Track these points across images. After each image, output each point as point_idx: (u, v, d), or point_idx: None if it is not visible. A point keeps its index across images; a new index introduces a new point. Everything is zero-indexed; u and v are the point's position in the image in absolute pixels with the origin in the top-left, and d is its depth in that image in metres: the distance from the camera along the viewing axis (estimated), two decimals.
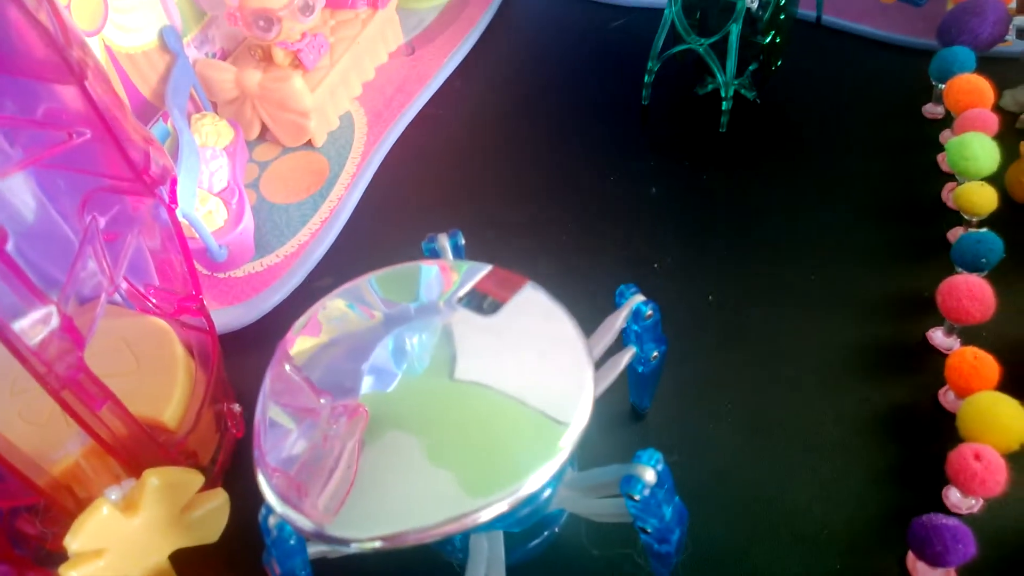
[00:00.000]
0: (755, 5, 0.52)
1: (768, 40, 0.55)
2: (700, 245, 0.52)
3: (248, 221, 0.51)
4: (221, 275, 0.51)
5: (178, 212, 0.44)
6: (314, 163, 0.57)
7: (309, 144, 0.58)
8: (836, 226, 0.52)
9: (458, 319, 0.33)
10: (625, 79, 0.62)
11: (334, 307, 0.36)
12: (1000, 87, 0.58)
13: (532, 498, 0.29)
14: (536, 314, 0.33)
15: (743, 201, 0.54)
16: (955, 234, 0.49)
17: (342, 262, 0.53)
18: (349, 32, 0.60)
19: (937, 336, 0.45)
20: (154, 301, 0.44)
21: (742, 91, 0.59)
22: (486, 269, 0.35)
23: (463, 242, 0.38)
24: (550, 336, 0.32)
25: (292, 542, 0.32)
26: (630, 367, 0.38)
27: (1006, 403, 0.37)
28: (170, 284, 0.45)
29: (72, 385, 0.33)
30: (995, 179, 0.49)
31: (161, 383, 0.42)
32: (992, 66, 0.57)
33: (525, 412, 0.30)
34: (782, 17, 0.54)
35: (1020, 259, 0.47)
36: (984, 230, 0.45)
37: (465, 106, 0.64)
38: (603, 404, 0.37)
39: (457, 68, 0.66)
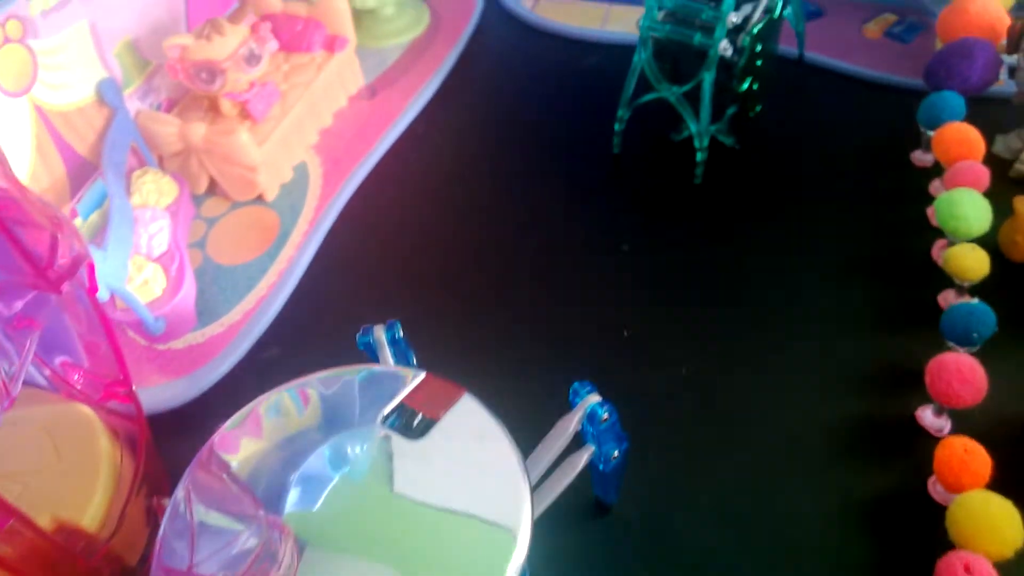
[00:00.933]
0: (729, 52, 0.48)
1: (745, 87, 0.51)
2: (674, 309, 0.48)
3: (189, 289, 0.48)
4: (160, 346, 0.48)
5: (101, 295, 0.41)
6: (265, 219, 0.54)
7: (260, 198, 0.55)
8: (820, 287, 0.49)
9: (390, 437, 0.30)
10: (597, 123, 0.58)
11: (269, 408, 0.33)
12: (992, 130, 0.55)
13: None
14: (471, 432, 0.29)
15: (721, 260, 0.51)
16: (946, 298, 0.46)
17: (290, 331, 0.49)
18: (304, 77, 0.57)
19: (927, 416, 0.41)
20: (79, 387, 0.41)
21: (720, 137, 0.56)
22: (419, 378, 0.31)
23: (401, 334, 0.35)
24: (485, 457, 0.29)
25: None
26: (591, 464, 0.35)
27: (998, 506, 0.34)
28: (99, 366, 0.42)
29: None
30: (989, 236, 0.46)
31: (83, 481, 0.38)
32: (984, 108, 0.54)
33: (458, 545, 0.27)
34: (759, 63, 0.51)
35: (1015, 328, 0.44)
36: (975, 301, 0.42)
37: (429, 153, 0.60)
38: (567, 496, 0.34)
39: (421, 111, 0.63)
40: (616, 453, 0.35)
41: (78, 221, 0.51)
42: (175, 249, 0.49)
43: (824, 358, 0.45)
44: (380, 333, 0.34)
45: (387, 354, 0.34)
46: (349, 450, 0.30)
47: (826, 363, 0.45)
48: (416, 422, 0.29)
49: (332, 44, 0.59)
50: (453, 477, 0.28)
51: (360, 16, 0.67)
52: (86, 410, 0.41)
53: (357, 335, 0.35)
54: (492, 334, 0.48)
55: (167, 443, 0.44)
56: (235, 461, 0.31)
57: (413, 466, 0.29)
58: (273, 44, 0.54)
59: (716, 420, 0.43)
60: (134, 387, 0.43)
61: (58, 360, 0.41)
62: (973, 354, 0.42)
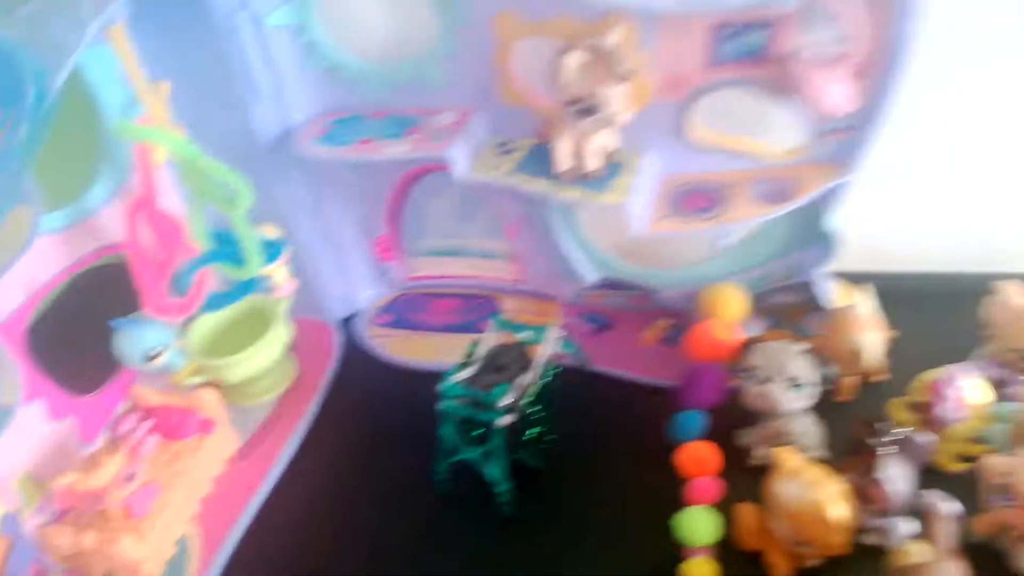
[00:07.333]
0: (511, 420, 0.61)
1: (533, 434, 0.64)
2: None
3: None
4: None
5: None
6: None
7: None
8: None
9: None
10: (429, 462, 0.69)
11: None
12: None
13: None
14: None
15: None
16: None
17: None
18: (182, 465, 0.68)
19: None
20: None
21: (527, 461, 0.68)
22: None
23: None
24: None
25: None
26: None
27: None
28: None
29: None
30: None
31: None
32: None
33: None
34: (542, 414, 0.64)
35: None
36: None
37: (296, 503, 0.71)
38: None
39: (291, 462, 0.74)
40: None
41: None
42: None
43: None
44: None
45: None
46: None
47: None
48: None
49: (206, 427, 0.71)
50: None
51: None
52: None
53: None
54: None
55: None
56: None
57: None
58: (150, 445, 0.66)
59: None
60: None
61: None
62: None
